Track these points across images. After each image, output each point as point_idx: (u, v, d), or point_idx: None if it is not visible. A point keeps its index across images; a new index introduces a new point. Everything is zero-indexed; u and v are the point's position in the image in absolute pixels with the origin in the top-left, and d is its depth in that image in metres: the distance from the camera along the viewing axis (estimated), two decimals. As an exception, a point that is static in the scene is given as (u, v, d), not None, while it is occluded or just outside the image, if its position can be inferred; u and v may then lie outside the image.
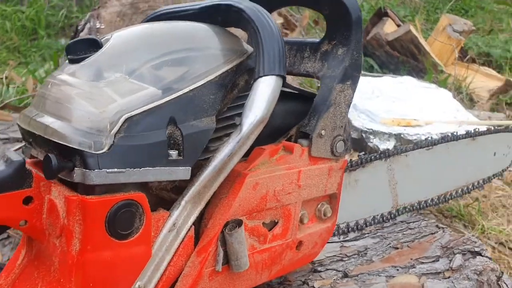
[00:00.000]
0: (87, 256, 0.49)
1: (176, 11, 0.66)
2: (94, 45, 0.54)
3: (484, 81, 3.33)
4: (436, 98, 2.08)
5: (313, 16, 3.29)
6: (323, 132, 0.66)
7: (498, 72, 3.67)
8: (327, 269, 0.79)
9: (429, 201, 0.98)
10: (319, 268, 0.79)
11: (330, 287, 0.74)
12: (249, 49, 0.62)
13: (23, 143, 0.58)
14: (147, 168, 0.51)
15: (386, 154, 0.86)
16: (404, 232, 0.89)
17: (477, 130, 1.08)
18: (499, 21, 4.55)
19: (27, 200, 0.51)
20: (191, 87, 0.55)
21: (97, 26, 1.13)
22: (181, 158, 0.53)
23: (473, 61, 3.64)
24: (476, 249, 0.80)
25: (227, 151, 0.55)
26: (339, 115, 0.67)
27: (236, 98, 0.61)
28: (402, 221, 0.92)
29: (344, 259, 0.82)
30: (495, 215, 2.12)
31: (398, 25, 3.37)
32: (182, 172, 0.54)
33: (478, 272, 0.77)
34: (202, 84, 0.55)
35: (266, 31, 0.56)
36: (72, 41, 0.54)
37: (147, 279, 0.54)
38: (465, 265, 0.78)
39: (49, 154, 0.47)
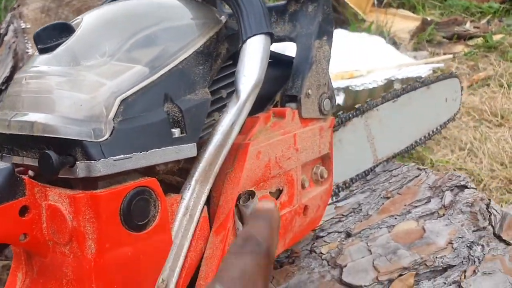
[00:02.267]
0: (106, 256, 0.44)
1: None
2: (65, 30, 0.49)
3: (403, 23, 3.49)
4: (370, 45, 2.15)
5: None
6: (309, 91, 0.64)
7: (413, 12, 3.88)
8: (329, 233, 0.79)
9: (402, 151, 1.00)
10: (321, 234, 0.78)
11: (337, 250, 0.74)
12: (223, 16, 0.60)
13: (-3, 154, 0.51)
14: (154, 150, 0.47)
15: (361, 110, 0.87)
16: (390, 181, 0.90)
17: (429, 77, 1.12)
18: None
19: (23, 211, 0.45)
20: (179, 60, 0.51)
21: (22, 27, 1.04)
22: (185, 135, 0.50)
23: (390, 5, 3.81)
24: (462, 183, 0.83)
25: (228, 121, 0.52)
26: (322, 72, 0.66)
27: (220, 69, 0.59)
28: (384, 171, 0.94)
29: (342, 219, 0.82)
30: (439, 148, 2.26)
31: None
32: (189, 149, 0.50)
33: (469, 204, 0.79)
34: (189, 56, 0.52)
35: None
36: (40, 28, 0.49)
37: (169, 270, 0.50)
38: (456, 200, 0.81)
39: (46, 151, 0.42)
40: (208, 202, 0.54)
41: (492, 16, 3.90)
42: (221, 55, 0.58)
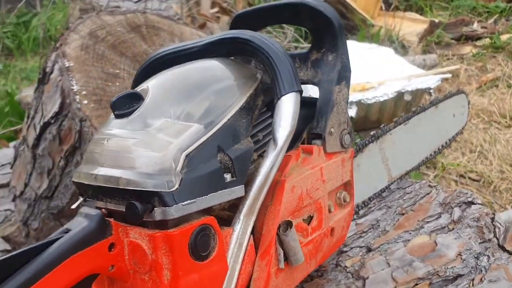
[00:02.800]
0: (179, 282, 0.55)
1: (179, 50, 0.73)
2: (136, 98, 0.60)
3: (411, 26, 3.54)
4: (380, 57, 2.23)
5: (247, 0, 3.37)
6: (332, 130, 0.75)
7: (420, 14, 3.94)
8: (352, 248, 0.89)
9: (414, 168, 1.10)
10: (344, 249, 0.89)
11: (360, 263, 0.84)
12: (258, 73, 0.70)
13: (80, 199, 0.63)
14: (212, 194, 0.58)
15: (375, 136, 0.97)
16: (404, 198, 1.00)
17: (437, 97, 1.22)
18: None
19: (111, 247, 0.57)
20: (227, 117, 0.62)
21: (66, 65, 1.16)
22: (235, 178, 0.61)
23: (397, 8, 3.86)
24: (469, 199, 0.93)
25: (268, 164, 0.63)
26: (342, 112, 0.76)
27: (257, 117, 0.69)
28: (398, 188, 1.04)
29: (363, 235, 0.92)
30: (450, 151, 2.35)
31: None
32: (238, 191, 0.61)
33: (476, 219, 0.89)
34: (235, 112, 0.63)
35: (277, 55, 0.65)
36: (116, 98, 0.60)
37: None
38: (463, 215, 0.91)
39: (132, 202, 0.53)
40: (252, 231, 0.65)
41: (499, 15, 3.96)
42: (258, 106, 0.69)
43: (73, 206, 0.63)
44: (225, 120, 0.62)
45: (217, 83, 0.64)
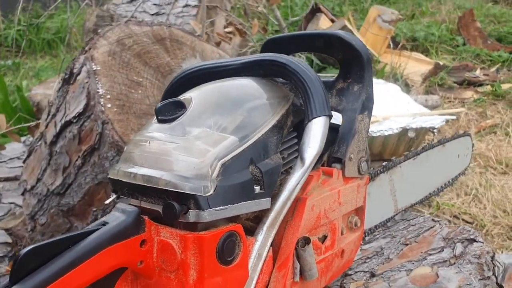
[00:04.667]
0: (204, 283, 0.58)
1: (218, 65, 0.77)
2: (179, 106, 0.64)
3: (416, 66, 3.62)
4: (387, 93, 2.27)
5: (262, 24, 3.43)
6: (351, 156, 0.79)
7: (426, 55, 4.04)
8: (356, 272, 0.92)
9: (418, 202, 1.14)
10: (349, 272, 0.92)
11: (364, 287, 0.87)
12: (291, 94, 0.75)
13: (113, 196, 0.66)
14: (242, 202, 0.62)
15: (387, 167, 1.02)
16: (408, 229, 1.04)
17: (445, 137, 1.27)
18: (418, 6, 4.96)
19: (142, 243, 0.60)
20: (261, 133, 0.66)
21: (94, 69, 1.20)
22: (263, 191, 0.64)
23: (404, 47, 3.95)
24: (472, 237, 0.97)
25: (294, 181, 0.67)
26: (362, 140, 0.81)
27: (285, 135, 0.73)
28: (403, 219, 1.08)
29: (367, 260, 0.96)
30: (445, 191, 2.38)
31: (332, 20, 3.55)
32: (265, 203, 0.65)
33: (477, 256, 0.93)
34: (268, 129, 0.67)
35: (311, 80, 0.69)
36: (161, 104, 0.64)
37: None
38: (465, 251, 0.95)
39: (171, 202, 0.57)
40: (271, 244, 0.69)
41: (501, 65, 4.07)
42: (287, 125, 0.73)
43: (107, 202, 0.66)
44: (259, 135, 0.66)
45: (254, 101, 0.69)
